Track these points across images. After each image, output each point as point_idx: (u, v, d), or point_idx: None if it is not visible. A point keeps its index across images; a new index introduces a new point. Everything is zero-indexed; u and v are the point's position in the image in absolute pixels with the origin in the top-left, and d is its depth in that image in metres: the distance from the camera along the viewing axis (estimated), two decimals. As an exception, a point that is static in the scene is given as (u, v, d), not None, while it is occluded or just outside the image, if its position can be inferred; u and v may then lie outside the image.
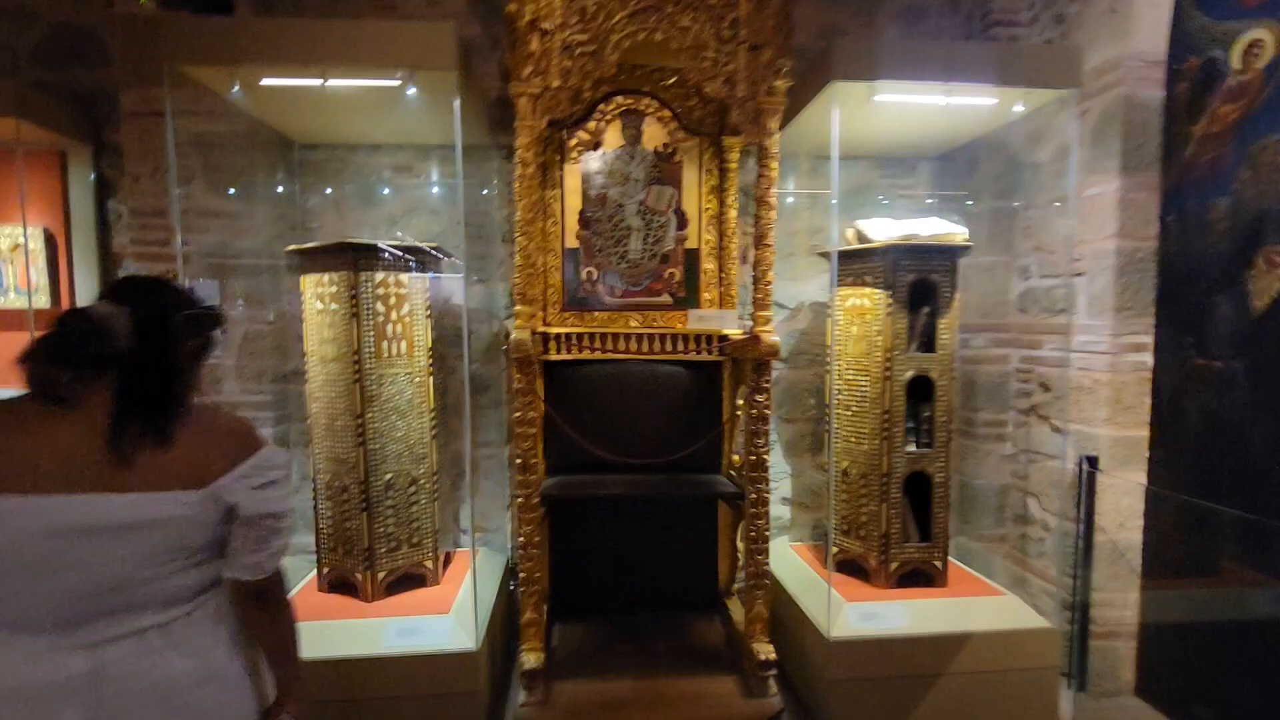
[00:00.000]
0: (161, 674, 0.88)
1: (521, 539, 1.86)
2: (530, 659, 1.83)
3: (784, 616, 2.15)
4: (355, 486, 1.89)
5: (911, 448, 2.01)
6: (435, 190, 2.46)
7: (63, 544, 0.84)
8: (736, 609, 2.25)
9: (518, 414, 1.82)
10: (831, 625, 1.84)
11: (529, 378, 1.83)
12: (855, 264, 2.10)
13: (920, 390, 2.01)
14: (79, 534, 0.85)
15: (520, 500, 1.85)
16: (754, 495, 1.90)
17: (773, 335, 1.82)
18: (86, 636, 0.86)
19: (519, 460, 1.84)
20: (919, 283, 1.97)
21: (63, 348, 0.88)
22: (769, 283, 1.86)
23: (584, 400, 2.12)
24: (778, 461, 2.61)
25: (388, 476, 1.92)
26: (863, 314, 2.06)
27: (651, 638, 2.20)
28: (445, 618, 1.84)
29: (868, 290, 2.04)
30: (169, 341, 0.94)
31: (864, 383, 2.06)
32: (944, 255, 1.98)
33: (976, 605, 1.94)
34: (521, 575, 1.86)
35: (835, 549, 2.18)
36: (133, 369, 0.90)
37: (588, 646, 2.13)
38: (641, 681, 1.94)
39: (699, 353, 2.22)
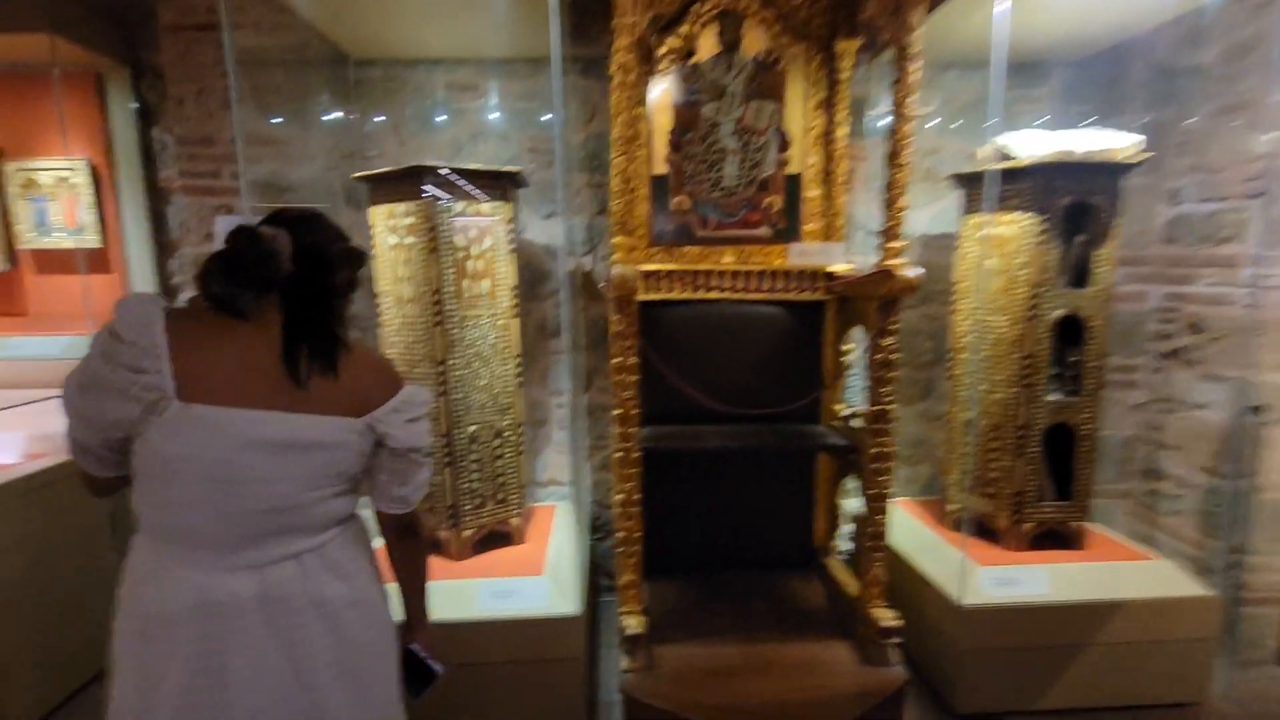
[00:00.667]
0: (318, 594, 0.90)
1: (620, 496, 1.69)
2: (631, 623, 1.69)
3: (894, 579, 1.99)
4: (438, 440, 1.73)
5: (1054, 396, 1.78)
6: (500, 113, 2.21)
7: (251, 458, 0.84)
8: (838, 570, 2.09)
9: (616, 360, 1.63)
10: (964, 591, 1.66)
11: (629, 319, 1.62)
12: (996, 186, 1.82)
13: (1067, 332, 1.76)
14: (266, 449, 0.84)
15: (620, 455, 1.67)
16: (875, 450, 1.70)
17: (910, 268, 1.58)
18: (254, 556, 0.86)
19: (618, 412, 1.65)
20: (1075, 206, 1.70)
21: (240, 265, 0.86)
22: (902, 209, 1.61)
23: (671, 345, 1.91)
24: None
25: (472, 429, 1.76)
26: (1003, 244, 1.80)
27: (748, 597, 2.05)
28: (540, 579, 1.70)
29: (1011, 217, 1.77)
30: (328, 270, 0.93)
31: (1000, 323, 1.82)
32: (1105, 174, 1.70)
33: (1123, 570, 1.75)
34: (619, 535, 1.71)
35: (955, 506, 1.99)
36: (296, 294, 0.89)
37: (682, 606, 2.00)
38: (747, 646, 1.80)
39: (801, 291, 2.00)
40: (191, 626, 0.83)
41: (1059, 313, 1.72)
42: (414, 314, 1.71)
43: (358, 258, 1.01)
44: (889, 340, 1.66)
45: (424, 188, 1.63)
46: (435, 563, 1.80)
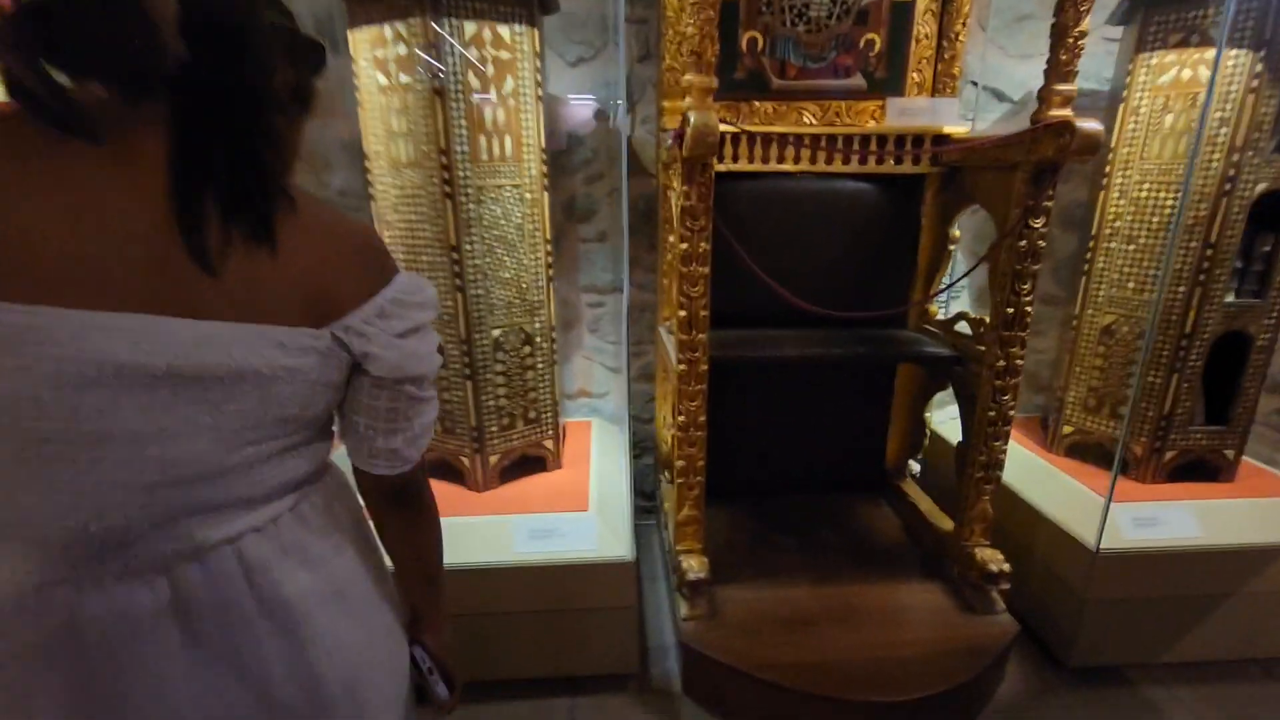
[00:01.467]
0: (273, 592, 0.55)
1: (682, 418, 1.36)
2: (693, 565, 1.42)
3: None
4: (454, 347, 1.37)
5: (1230, 298, 1.40)
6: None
7: (119, 398, 0.46)
8: (915, 495, 1.81)
9: (684, 246, 1.24)
10: (1102, 534, 1.37)
11: (704, 189, 1.22)
12: (1178, 9, 1.36)
13: (1266, 214, 1.36)
14: (146, 383, 0.46)
15: (683, 367, 1.32)
16: (1001, 363, 1.36)
17: (1088, 121, 1.16)
18: (155, 549, 0.50)
19: (683, 314, 1.29)
20: (1309, 39, 1.25)
21: (80, 31, 0.43)
22: (1081, 36, 1.17)
23: (734, 231, 1.52)
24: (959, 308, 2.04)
25: (496, 333, 1.40)
26: (1187, 94, 1.36)
27: (815, 527, 1.79)
28: (585, 516, 1.40)
29: (1211, 55, 1.32)
30: (252, 59, 0.48)
31: (1167, 201, 1.41)
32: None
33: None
34: (679, 464, 1.40)
35: (1070, 430, 1.67)
36: (196, 99, 0.46)
37: (742, 538, 1.73)
38: (821, 588, 1.55)
39: (899, 162, 1.58)
40: (57, 665, 0.49)
41: (1262, 186, 1.31)
42: (415, 183, 1.30)
43: (307, 48, 0.65)
44: (1040, 222, 1.26)
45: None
46: (454, 493, 1.50)
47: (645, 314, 1.94)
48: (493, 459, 1.48)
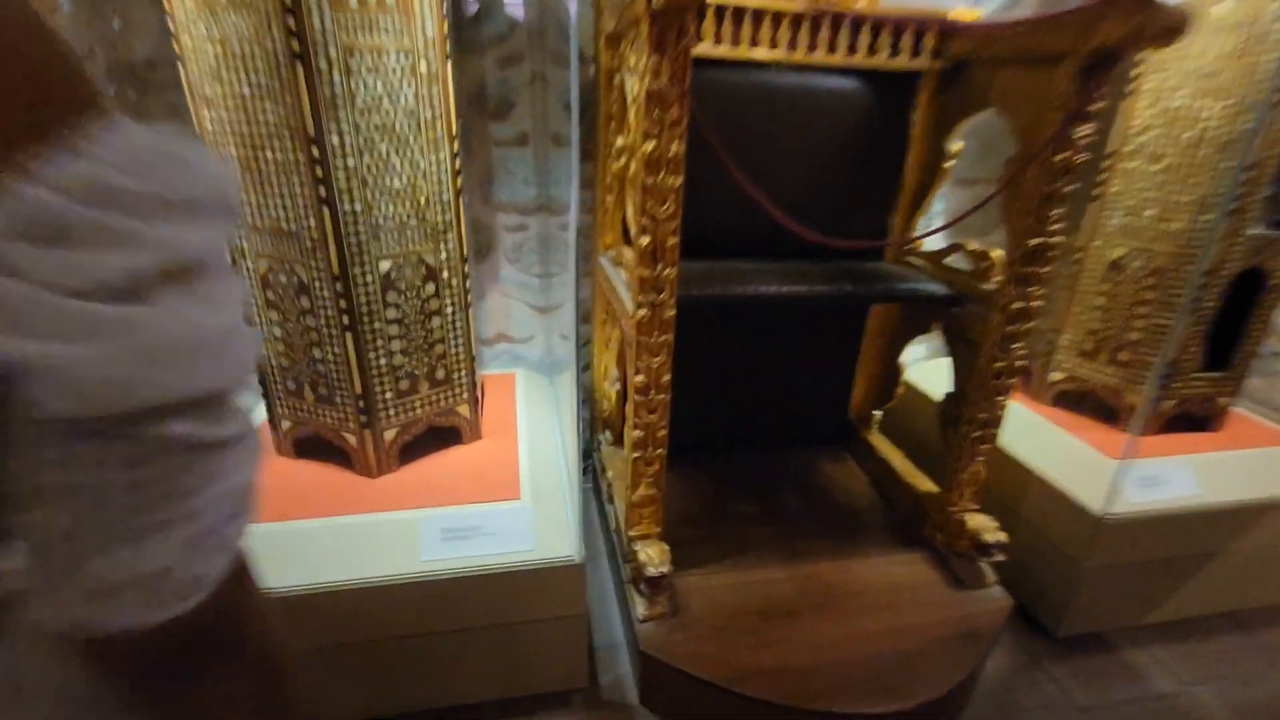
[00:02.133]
0: None
1: (640, 377, 1.06)
2: (653, 557, 1.15)
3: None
4: (323, 285, 0.97)
5: (1257, 229, 1.23)
6: None
7: None
8: (884, 448, 1.62)
9: (649, 146, 0.90)
10: (1107, 499, 1.22)
11: (678, 66, 0.87)
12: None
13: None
14: None
15: (643, 312, 1.00)
16: (1019, 304, 1.13)
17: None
18: None
19: (645, 241, 0.96)
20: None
21: None
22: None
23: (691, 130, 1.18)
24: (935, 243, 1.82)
25: (384, 266, 1.01)
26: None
27: (777, 490, 1.56)
28: (517, 507, 1.08)
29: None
30: None
31: (1205, 112, 1.20)
32: None
33: (1276, 459, 1.36)
34: (635, 434, 1.10)
35: (1060, 376, 1.51)
36: None
37: (698, 507, 1.48)
38: (794, 567, 1.33)
39: (892, 55, 1.29)
40: None
41: (1319, 97, 1.12)
42: (243, 33, 0.85)
43: None
44: (1088, 130, 1.01)
45: None
46: (338, 480, 1.13)
47: (580, 239, 1.58)
48: (388, 435, 1.11)
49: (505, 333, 1.67)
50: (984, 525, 1.28)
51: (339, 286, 0.97)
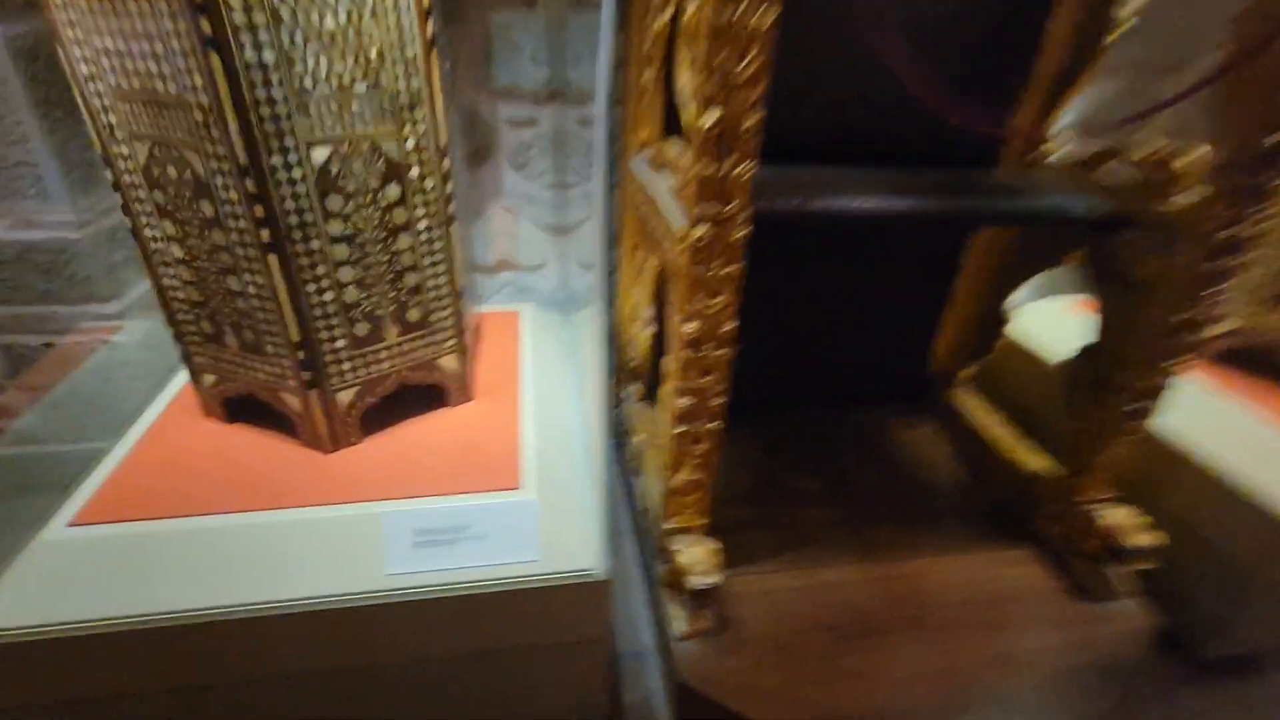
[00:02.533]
0: None
1: (690, 326, 0.74)
2: (699, 561, 0.87)
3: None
4: (227, 182, 0.65)
5: None
6: None
7: None
8: (983, 414, 1.30)
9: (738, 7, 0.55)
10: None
11: None
12: None
13: None
14: None
15: (702, 230, 0.68)
16: (1229, 232, 0.79)
17: None
18: None
19: (712, 122, 0.62)
20: None
21: None
22: None
23: None
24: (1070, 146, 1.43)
25: (320, 155, 0.68)
26: None
27: (843, 462, 1.27)
28: (516, 498, 0.80)
29: None
30: None
31: None
32: None
33: None
34: (681, 402, 0.79)
35: (1228, 327, 1.17)
36: None
37: (747, 480, 1.19)
38: (873, 566, 1.05)
39: None
40: None
41: None
42: None
43: None
44: None
45: None
46: (278, 453, 0.84)
47: (591, 132, 1.22)
48: (343, 397, 0.81)
49: (509, 259, 1.35)
50: (1127, 523, 0.98)
51: (249, 185, 0.64)
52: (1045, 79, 1.06)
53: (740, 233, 0.69)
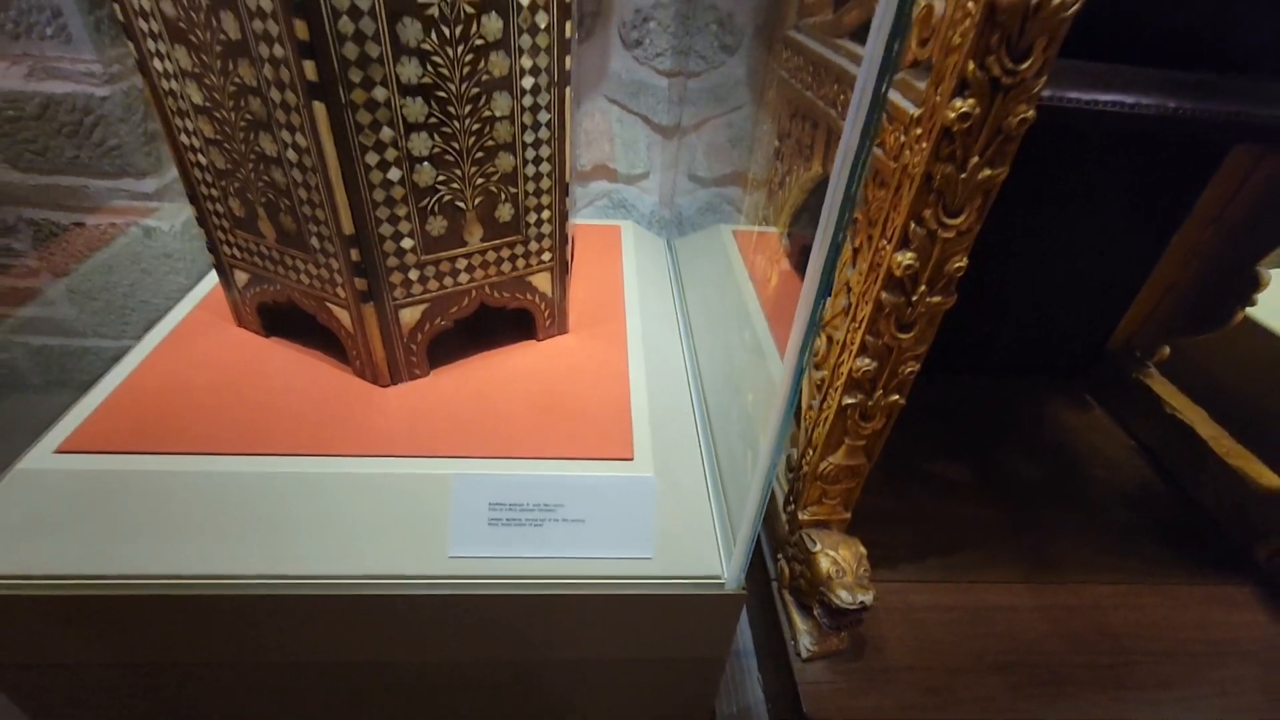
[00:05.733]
0: None
1: (907, 255, 0.50)
2: (845, 568, 0.66)
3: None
4: (281, 35, 0.44)
5: None
6: None
7: None
8: (1185, 408, 1.03)
9: None
10: None
11: None
12: None
13: None
14: None
15: (973, 95, 0.42)
16: None
17: None
18: None
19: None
20: None
21: None
22: None
23: None
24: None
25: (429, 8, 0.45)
26: None
27: (995, 446, 1.02)
28: (628, 474, 0.59)
29: None
30: None
31: None
32: None
33: None
34: (863, 362, 0.56)
35: None
36: None
37: (881, 464, 0.96)
38: (1047, 589, 0.82)
39: None
40: None
41: None
42: None
43: None
44: None
45: None
46: (329, 395, 0.65)
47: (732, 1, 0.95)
48: (407, 315, 0.61)
49: (606, 163, 1.11)
50: None
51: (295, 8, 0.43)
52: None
53: (1026, 113, 0.44)
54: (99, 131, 0.91)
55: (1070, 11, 0.40)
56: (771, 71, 0.95)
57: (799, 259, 0.89)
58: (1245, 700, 0.73)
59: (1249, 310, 1.02)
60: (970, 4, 0.41)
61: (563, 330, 0.74)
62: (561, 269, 0.69)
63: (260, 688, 0.59)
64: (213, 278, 0.85)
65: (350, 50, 0.47)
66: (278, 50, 0.46)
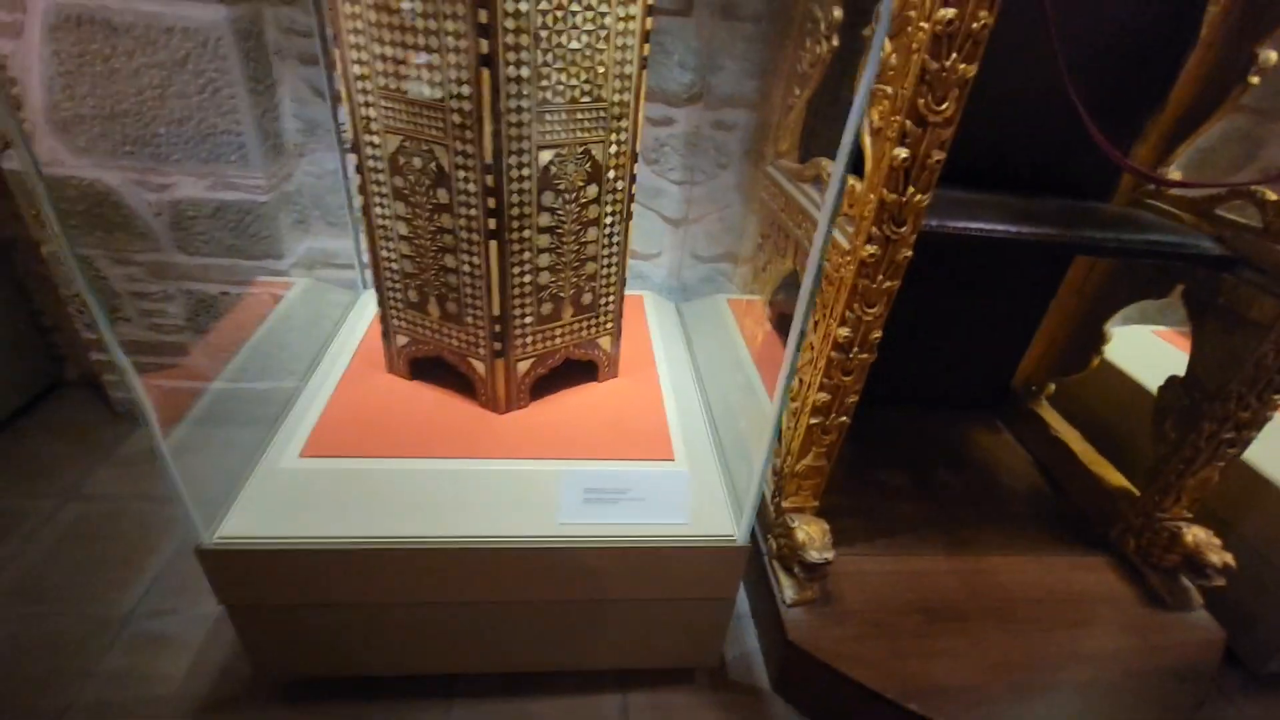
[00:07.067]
0: None
1: (844, 331, 0.83)
2: (813, 537, 0.97)
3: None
4: (468, 176, 0.76)
5: None
6: None
7: None
8: (1062, 428, 1.38)
9: (947, 15, 0.63)
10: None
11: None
12: None
13: None
14: None
15: (874, 250, 0.76)
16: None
17: None
18: None
19: (902, 157, 0.70)
20: None
21: None
22: None
23: None
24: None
25: (546, 158, 0.78)
26: None
27: (926, 460, 1.35)
28: (671, 469, 0.90)
29: None
30: None
31: None
32: None
33: None
34: (819, 397, 0.89)
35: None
36: None
37: (840, 472, 1.28)
38: (959, 558, 1.14)
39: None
40: None
41: None
42: None
43: None
44: None
45: None
46: (457, 411, 0.96)
47: (728, 134, 1.30)
48: (522, 366, 0.92)
49: (634, 247, 1.45)
50: (1206, 543, 1.05)
51: (489, 180, 0.75)
52: (1173, 113, 1.11)
53: (905, 254, 0.78)
54: (254, 226, 1.22)
55: (924, 205, 0.74)
56: (755, 189, 1.30)
57: (778, 322, 1.23)
58: (1094, 627, 1.05)
59: (1110, 358, 1.39)
60: (871, 195, 0.75)
61: (615, 375, 1.06)
62: (617, 333, 1.01)
63: (424, 622, 0.87)
64: (346, 336, 1.14)
65: (514, 211, 0.79)
66: (472, 211, 0.79)
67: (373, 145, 0.79)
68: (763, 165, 1.19)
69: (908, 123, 0.69)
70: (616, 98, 0.79)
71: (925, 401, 1.50)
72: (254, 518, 0.78)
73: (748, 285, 1.32)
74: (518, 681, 1.00)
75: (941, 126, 0.69)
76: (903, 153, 0.70)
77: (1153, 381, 1.31)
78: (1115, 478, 1.24)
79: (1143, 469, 1.16)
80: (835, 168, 0.61)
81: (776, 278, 1.17)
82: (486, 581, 0.84)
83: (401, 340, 0.97)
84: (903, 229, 0.75)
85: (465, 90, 0.70)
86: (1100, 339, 1.31)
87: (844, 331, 0.84)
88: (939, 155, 0.71)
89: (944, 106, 0.68)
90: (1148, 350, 1.48)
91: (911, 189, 0.73)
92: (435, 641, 0.90)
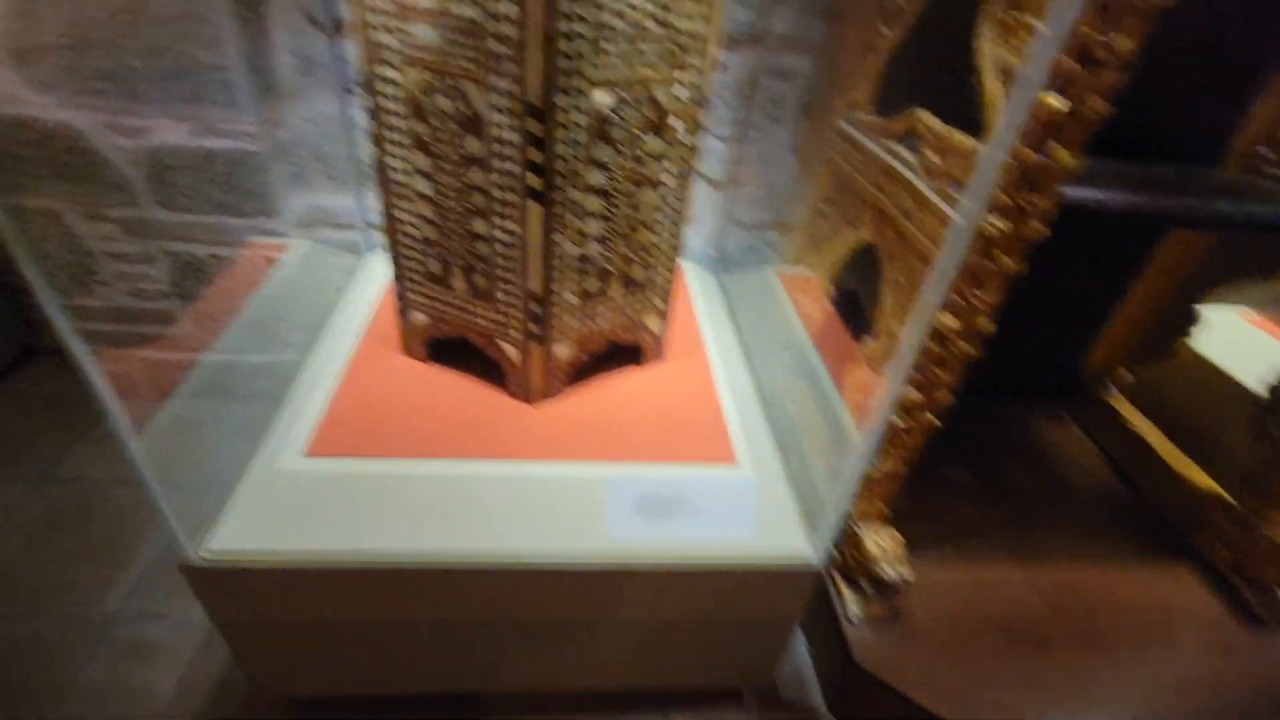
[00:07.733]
0: None
1: (951, 319, 0.70)
2: (887, 551, 0.86)
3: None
4: (506, 121, 0.61)
5: None
6: None
7: None
8: (1142, 425, 1.25)
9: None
10: None
11: None
12: None
13: None
14: None
15: (1000, 225, 0.62)
16: None
17: None
18: None
19: (1058, 106, 0.55)
20: None
21: None
22: None
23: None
24: None
25: (604, 101, 0.63)
26: None
27: (991, 455, 1.23)
28: (734, 474, 0.78)
29: None
30: None
31: None
32: None
33: None
34: (908, 395, 0.76)
35: None
36: None
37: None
38: (1035, 569, 1.03)
39: None
40: None
41: None
42: None
43: None
44: None
45: None
46: (483, 400, 0.82)
47: (786, 84, 1.15)
48: (561, 351, 0.79)
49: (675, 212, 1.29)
50: (1321, 558, 0.94)
51: (532, 125, 0.60)
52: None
53: (1036, 228, 0.64)
54: (246, 179, 1.06)
55: (1068, 169, 0.60)
56: (814, 148, 1.15)
57: (843, 303, 1.09)
58: (1187, 650, 0.94)
59: (1194, 344, 1.26)
60: (996, 154, 0.61)
61: (661, 358, 0.92)
62: (665, 318, 0.87)
63: (446, 641, 0.76)
64: (354, 308, 1.00)
65: (561, 165, 0.65)
66: (509, 164, 0.64)
67: (389, 81, 0.64)
68: (832, 119, 1.04)
69: (1070, 62, 0.54)
70: (686, 24, 0.64)
71: (982, 389, 1.37)
72: (250, 528, 0.66)
73: (800, 257, 1.18)
74: (547, 701, 0.90)
75: (1114, 69, 0.54)
76: (1056, 101, 0.56)
77: (1244, 372, 1.18)
78: (1203, 480, 1.12)
79: (1236, 472, 1.05)
80: (1002, 119, 0.47)
81: (846, 251, 1.03)
82: (520, 602, 0.72)
83: (419, 318, 0.83)
84: (1040, 199, 0.61)
85: (505, 8, 0.55)
86: (1188, 320, 1.18)
87: (950, 319, 0.70)
88: (1100, 106, 0.57)
89: (1122, 40, 0.53)
90: (1237, 337, 1.35)
91: (1059, 149, 0.59)
92: (458, 660, 0.78)
